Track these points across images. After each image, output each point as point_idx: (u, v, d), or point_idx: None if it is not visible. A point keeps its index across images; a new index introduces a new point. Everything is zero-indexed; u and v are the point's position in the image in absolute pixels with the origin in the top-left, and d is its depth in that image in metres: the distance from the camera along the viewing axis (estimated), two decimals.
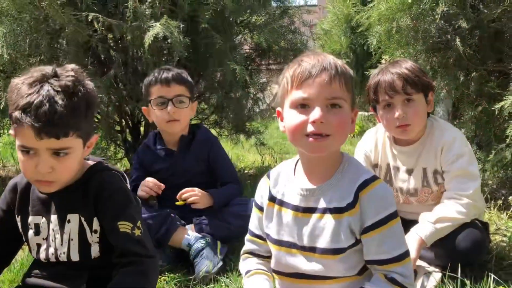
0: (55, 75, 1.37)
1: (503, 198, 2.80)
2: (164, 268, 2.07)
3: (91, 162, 1.55)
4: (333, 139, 1.29)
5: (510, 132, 2.45)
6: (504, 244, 2.22)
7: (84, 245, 1.48)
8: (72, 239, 1.47)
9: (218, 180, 2.44)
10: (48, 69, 1.38)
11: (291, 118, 1.31)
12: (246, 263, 1.56)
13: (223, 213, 2.25)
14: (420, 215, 1.96)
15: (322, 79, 1.27)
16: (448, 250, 1.86)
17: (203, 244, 2.10)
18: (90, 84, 1.44)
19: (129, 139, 3.75)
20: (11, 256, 1.62)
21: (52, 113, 1.30)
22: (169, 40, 2.98)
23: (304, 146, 1.32)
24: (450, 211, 1.88)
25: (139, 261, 1.41)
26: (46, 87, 1.33)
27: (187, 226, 2.20)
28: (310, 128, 1.27)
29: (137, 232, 1.45)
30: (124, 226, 1.43)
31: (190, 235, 2.14)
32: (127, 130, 3.73)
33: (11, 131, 1.41)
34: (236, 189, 2.39)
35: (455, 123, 3.36)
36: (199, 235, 2.15)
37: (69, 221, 1.47)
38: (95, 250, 1.49)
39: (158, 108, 2.28)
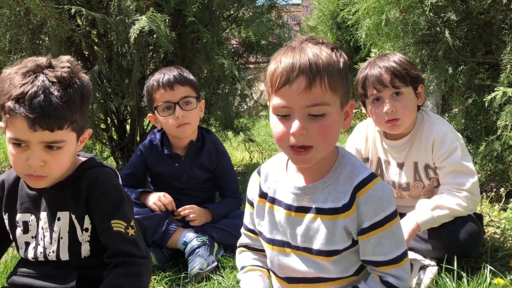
0: (50, 66, 1.32)
1: (494, 190, 2.80)
2: (155, 267, 2.01)
3: (82, 158, 1.49)
4: (316, 150, 1.19)
5: (501, 123, 2.44)
6: (498, 236, 2.22)
7: (74, 243, 1.42)
8: (62, 238, 1.41)
9: (220, 190, 2.41)
10: (42, 59, 1.34)
11: (274, 125, 1.23)
12: (242, 258, 1.52)
13: (222, 224, 2.22)
14: (418, 202, 1.92)
15: (299, 86, 1.14)
16: (444, 242, 1.84)
17: (199, 242, 2.05)
18: (85, 77, 1.40)
19: (115, 137, 3.67)
20: None
21: (47, 105, 1.25)
22: (155, 35, 2.92)
23: (289, 157, 1.26)
24: (449, 202, 1.85)
25: (133, 261, 1.36)
26: (41, 77, 1.28)
27: (186, 230, 2.14)
28: (291, 140, 1.18)
29: (131, 231, 1.40)
30: (118, 225, 1.38)
31: (187, 234, 2.09)
32: (113, 129, 3.65)
33: (1, 124, 1.34)
34: (236, 204, 2.35)
35: (444, 116, 3.36)
36: (196, 234, 2.10)
37: (59, 219, 1.42)
38: (85, 249, 1.43)
39: (165, 114, 2.17)
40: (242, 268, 1.48)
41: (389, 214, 1.24)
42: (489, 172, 3.15)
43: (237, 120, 3.93)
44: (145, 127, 3.63)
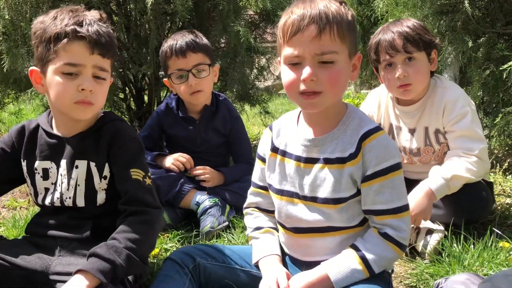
0: (85, 10, 1.46)
1: (508, 161, 2.78)
2: (168, 225, 2.08)
3: (101, 112, 1.56)
4: (325, 96, 1.25)
5: None
6: (508, 206, 2.21)
7: (90, 191, 1.49)
8: (79, 185, 1.48)
9: (233, 155, 2.45)
10: (76, 7, 1.46)
11: (284, 74, 1.28)
12: (255, 219, 1.54)
13: (235, 186, 2.26)
14: (431, 170, 1.91)
15: (310, 33, 1.20)
16: (452, 206, 1.86)
17: (211, 203, 2.10)
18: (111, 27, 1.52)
19: (133, 107, 3.74)
20: None
21: (102, 32, 1.40)
22: (171, 4, 2.94)
23: (299, 103, 1.31)
24: (462, 169, 1.83)
25: (147, 211, 1.42)
26: (87, 14, 1.43)
27: (199, 191, 2.19)
28: (302, 87, 1.24)
29: (148, 181, 1.47)
30: (136, 174, 1.45)
31: (199, 195, 2.15)
32: (131, 98, 3.72)
33: (34, 67, 1.45)
34: (248, 169, 2.36)
35: (462, 89, 3.31)
36: (209, 196, 2.16)
37: (76, 167, 1.48)
38: (101, 197, 1.50)
39: (179, 82, 2.21)
40: (259, 228, 1.51)
41: (392, 165, 1.27)
42: (506, 148, 3.13)
43: (254, 91, 3.94)
44: (162, 98, 3.68)
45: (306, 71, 1.22)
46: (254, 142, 4.32)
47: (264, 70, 3.97)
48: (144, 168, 1.47)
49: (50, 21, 1.40)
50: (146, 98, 3.74)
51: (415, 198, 1.79)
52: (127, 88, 3.63)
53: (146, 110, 3.60)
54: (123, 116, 3.94)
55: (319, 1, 1.24)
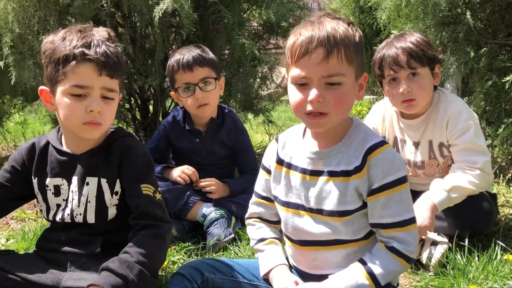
0: (93, 29, 1.47)
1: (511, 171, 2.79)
2: (175, 237, 2.10)
3: (111, 129, 1.58)
4: (331, 117, 1.28)
5: None
6: None
7: (101, 207, 1.52)
8: (89, 202, 1.51)
9: (238, 167, 2.48)
10: (84, 26, 1.48)
11: (291, 94, 1.31)
12: (257, 230, 1.56)
13: (240, 198, 2.28)
14: (432, 182, 1.94)
15: (318, 56, 1.23)
16: (456, 219, 1.87)
17: (217, 215, 2.13)
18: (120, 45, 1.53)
19: (138, 117, 3.77)
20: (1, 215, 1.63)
21: (109, 53, 1.41)
22: (177, 17, 2.98)
23: (305, 123, 1.35)
24: (463, 181, 1.86)
25: (158, 225, 1.45)
26: (95, 34, 1.44)
27: (205, 203, 2.21)
28: (308, 107, 1.27)
29: (158, 196, 1.50)
30: (147, 189, 1.48)
31: (206, 207, 2.18)
32: (136, 109, 3.75)
33: (43, 87, 1.46)
34: (253, 180, 2.38)
35: (465, 99, 3.34)
36: (215, 208, 2.18)
37: (87, 184, 1.51)
38: (111, 213, 1.52)
39: (186, 95, 2.25)
40: (263, 240, 1.53)
41: (398, 178, 1.29)
42: (510, 157, 3.14)
43: (257, 101, 3.97)
44: (167, 108, 3.71)
45: (313, 93, 1.25)
46: (258, 151, 4.35)
47: (267, 79, 4.00)
48: (154, 184, 1.51)
49: (59, 42, 1.42)
50: (151, 108, 3.77)
51: (418, 212, 1.80)
52: (132, 99, 3.67)
53: (151, 120, 3.64)
54: (128, 127, 3.98)
55: (327, 23, 1.26)
